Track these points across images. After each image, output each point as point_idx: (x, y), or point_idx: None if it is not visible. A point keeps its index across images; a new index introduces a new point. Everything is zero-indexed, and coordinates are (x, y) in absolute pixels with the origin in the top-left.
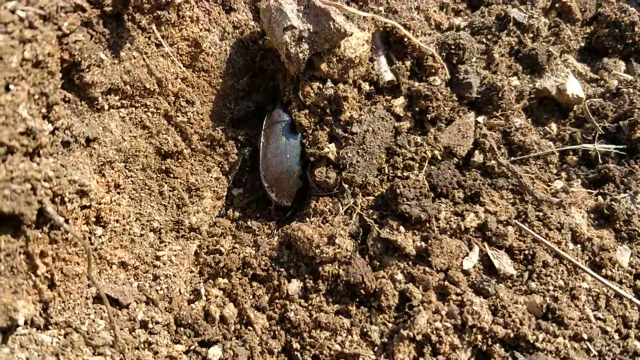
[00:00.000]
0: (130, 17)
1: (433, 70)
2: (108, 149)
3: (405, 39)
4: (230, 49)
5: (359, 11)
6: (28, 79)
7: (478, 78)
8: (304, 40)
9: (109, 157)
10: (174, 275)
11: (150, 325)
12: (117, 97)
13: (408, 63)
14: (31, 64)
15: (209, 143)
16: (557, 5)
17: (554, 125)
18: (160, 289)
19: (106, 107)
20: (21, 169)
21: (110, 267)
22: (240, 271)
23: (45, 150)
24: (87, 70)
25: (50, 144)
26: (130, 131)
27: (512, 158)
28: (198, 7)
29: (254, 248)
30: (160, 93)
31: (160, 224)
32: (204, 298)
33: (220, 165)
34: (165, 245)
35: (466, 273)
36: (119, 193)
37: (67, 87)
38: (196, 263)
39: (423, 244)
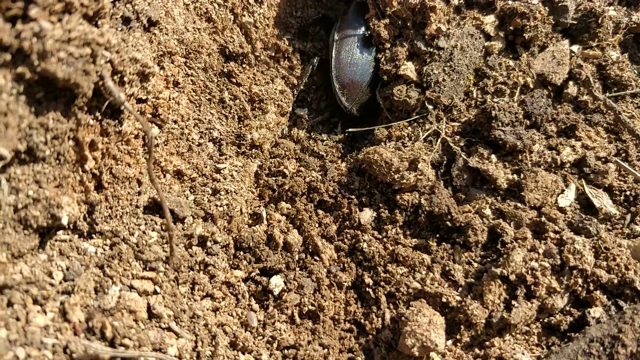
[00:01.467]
0: None
1: None
2: (169, 37)
3: None
4: None
5: None
6: None
7: (574, 2)
8: None
9: (170, 47)
10: (235, 192)
11: (208, 244)
12: None
13: None
14: None
15: (273, 53)
16: None
17: None
18: (220, 205)
19: None
20: (81, 30)
21: (164, 176)
22: (305, 196)
23: (105, 20)
24: None
25: (110, 14)
26: (194, 22)
27: (608, 94)
28: None
29: (320, 172)
30: None
31: (221, 135)
32: (265, 222)
33: (284, 78)
34: (225, 159)
35: (562, 211)
36: (178, 91)
37: None
38: (256, 185)
39: (515, 176)
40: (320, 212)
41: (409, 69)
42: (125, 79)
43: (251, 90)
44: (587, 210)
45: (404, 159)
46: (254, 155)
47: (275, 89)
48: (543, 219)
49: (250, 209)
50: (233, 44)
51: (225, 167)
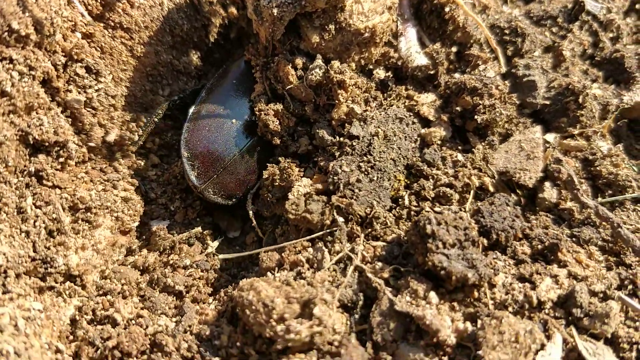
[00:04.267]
0: None
1: (479, 63)
2: None
3: (448, 10)
4: (169, 4)
5: None
6: None
7: (544, 78)
8: None
9: None
10: (17, 355)
11: None
12: None
13: (451, 49)
14: None
15: (120, 145)
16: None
17: None
18: None
19: None
20: None
21: None
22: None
23: None
24: None
25: None
26: None
27: (600, 199)
28: None
29: (173, 319)
30: (39, 45)
31: (8, 260)
32: None
33: (133, 182)
34: (11, 299)
35: None
36: None
37: None
38: (72, 338)
39: (468, 325)
40: None
41: (304, 185)
42: None
43: (75, 194)
44: None
45: (293, 299)
46: (68, 292)
47: (116, 196)
48: None
49: None
50: (41, 130)
51: (4, 313)
